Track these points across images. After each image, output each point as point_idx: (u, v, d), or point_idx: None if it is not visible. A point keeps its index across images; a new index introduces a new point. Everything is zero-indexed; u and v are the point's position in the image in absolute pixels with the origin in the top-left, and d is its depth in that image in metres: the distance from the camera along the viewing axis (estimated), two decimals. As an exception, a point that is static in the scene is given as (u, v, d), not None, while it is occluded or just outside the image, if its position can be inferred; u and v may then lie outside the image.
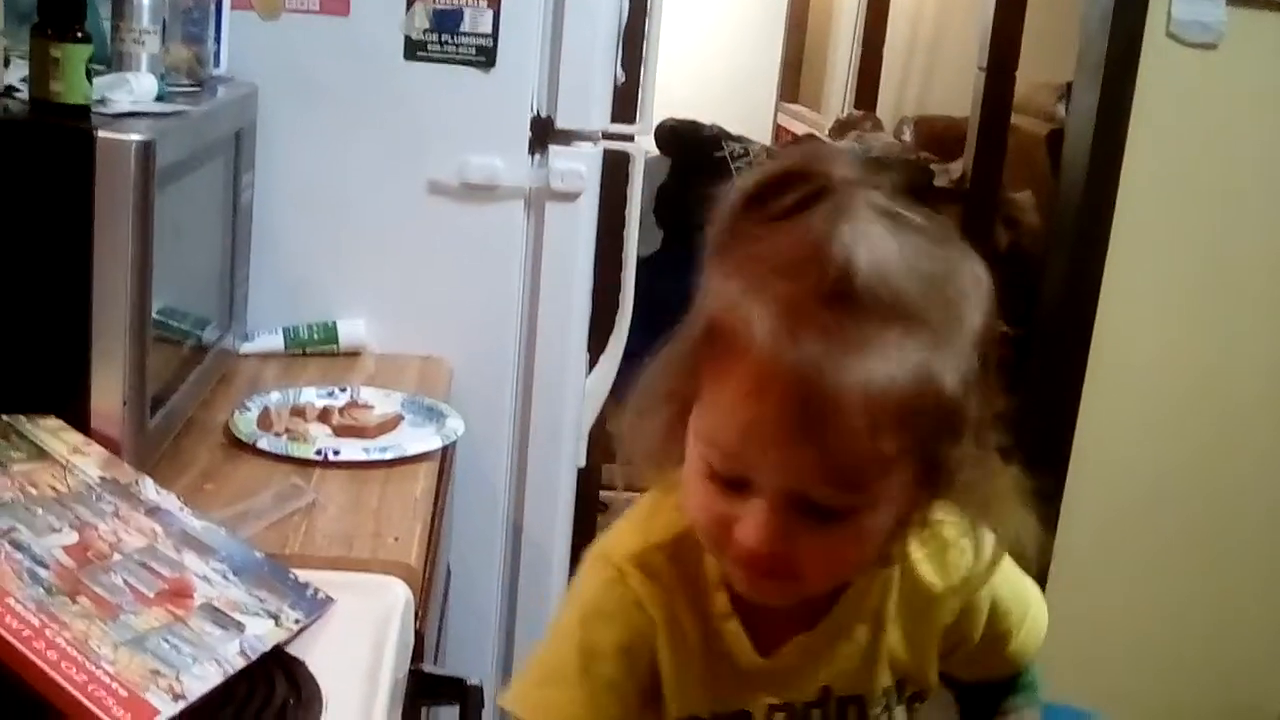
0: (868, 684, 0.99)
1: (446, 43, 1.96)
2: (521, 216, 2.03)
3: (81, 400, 1.31)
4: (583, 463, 2.15)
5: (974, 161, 3.44)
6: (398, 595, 1.29)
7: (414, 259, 2.02)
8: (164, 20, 1.56)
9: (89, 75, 1.33)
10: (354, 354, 2.01)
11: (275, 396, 1.76)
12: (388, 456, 1.60)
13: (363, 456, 1.60)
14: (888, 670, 0.99)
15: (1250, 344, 2.52)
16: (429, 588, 1.49)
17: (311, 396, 1.78)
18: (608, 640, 0.95)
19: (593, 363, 2.19)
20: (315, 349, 1.99)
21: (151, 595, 1.09)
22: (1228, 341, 2.53)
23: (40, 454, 1.24)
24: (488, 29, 1.95)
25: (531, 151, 2.01)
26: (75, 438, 1.28)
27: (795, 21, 6.27)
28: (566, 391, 2.09)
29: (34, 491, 1.16)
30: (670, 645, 0.96)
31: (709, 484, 0.86)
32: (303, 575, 1.24)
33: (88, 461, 1.25)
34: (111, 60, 1.51)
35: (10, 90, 1.38)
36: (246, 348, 1.94)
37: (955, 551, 0.96)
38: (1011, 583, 1.03)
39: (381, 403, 1.79)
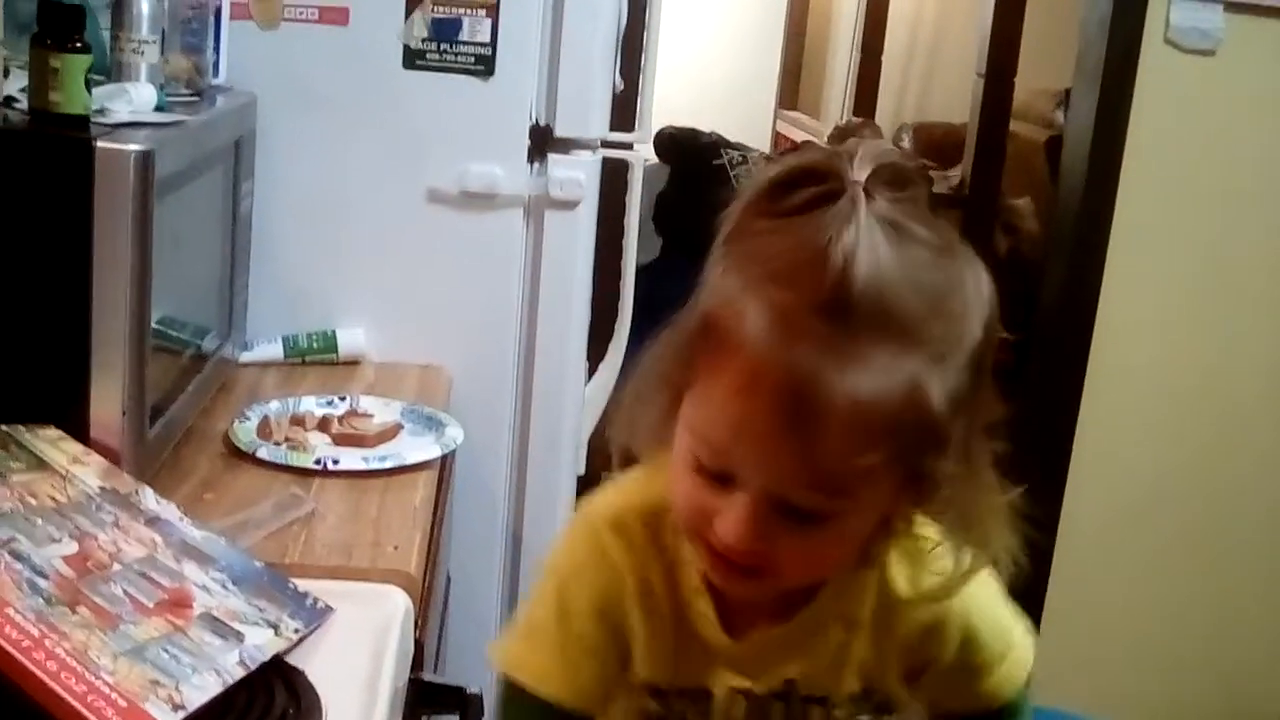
0: (833, 686, 0.98)
1: (445, 51, 1.96)
2: (520, 225, 2.03)
3: (81, 410, 1.31)
4: (582, 471, 2.15)
5: (973, 168, 3.44)
6: (397, 604, 1.29)
7: (413, 267, 2.02)
8: (163, 30, 1.56)
9: (88, 85, 1.33)
10: (353, 363, 2.01)
11: (275, 406, 1.76)
12: (387, 465, 1.60)
13: (362, 465, 1.60)
14: (855, 675, 0.98)
15: (1249, 348, 2.53)
16: (429, 596, 1.49)
17: (311, 405, 1.78)
18: (582, 598, 0.98)
19: (592, 371, 2.19)
20: (314, 358, 1.99)
21: (151, 605, 1.09)
22: (1226, 345, 2.53)
23: (40, 464, 1.24)
24: (486, 38, 1.95)
25: (530, 160, 2.01)
26: (75, 447, 1.28)
27: (794, 29, 6.28)
28: (566, 400, 2.09)
29: (33, 501, 1.16)
30: (640, 609, 0.97)
31: (694, 475, 0.87)
32: (302, 584, 1.24)
33: (87, 471, 1.25)
34: (111, 70, 1.51)
35: (10, 100, 1.38)
36: (246, 357, 1.94)
37: (930, 565, 0.96)
38: (994, 617, 1.01)
39: (381, 411, 1.79)
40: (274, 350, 1.98)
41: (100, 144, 1.28)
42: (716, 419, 0.83)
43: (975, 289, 0.85)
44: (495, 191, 2.00)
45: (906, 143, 4.59)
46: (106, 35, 1.53)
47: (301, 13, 1.94)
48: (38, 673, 0.94)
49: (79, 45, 1.31)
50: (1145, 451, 2.57)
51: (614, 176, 2.12)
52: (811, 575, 0.93)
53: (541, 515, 2.10)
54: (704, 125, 3.99)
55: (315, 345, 2.00)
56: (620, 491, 1.00)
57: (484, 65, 1.96)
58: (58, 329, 1.31)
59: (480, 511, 2.07)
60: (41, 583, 1.04)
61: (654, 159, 3.71)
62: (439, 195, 2.00)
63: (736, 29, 6.12)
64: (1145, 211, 2.47)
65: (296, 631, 1.16)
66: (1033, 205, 3.67)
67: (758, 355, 0.80)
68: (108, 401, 1.32)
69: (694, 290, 0.88)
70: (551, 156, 2.01)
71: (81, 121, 1.32)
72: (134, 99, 1.44)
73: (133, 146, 1.29)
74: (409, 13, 1.94)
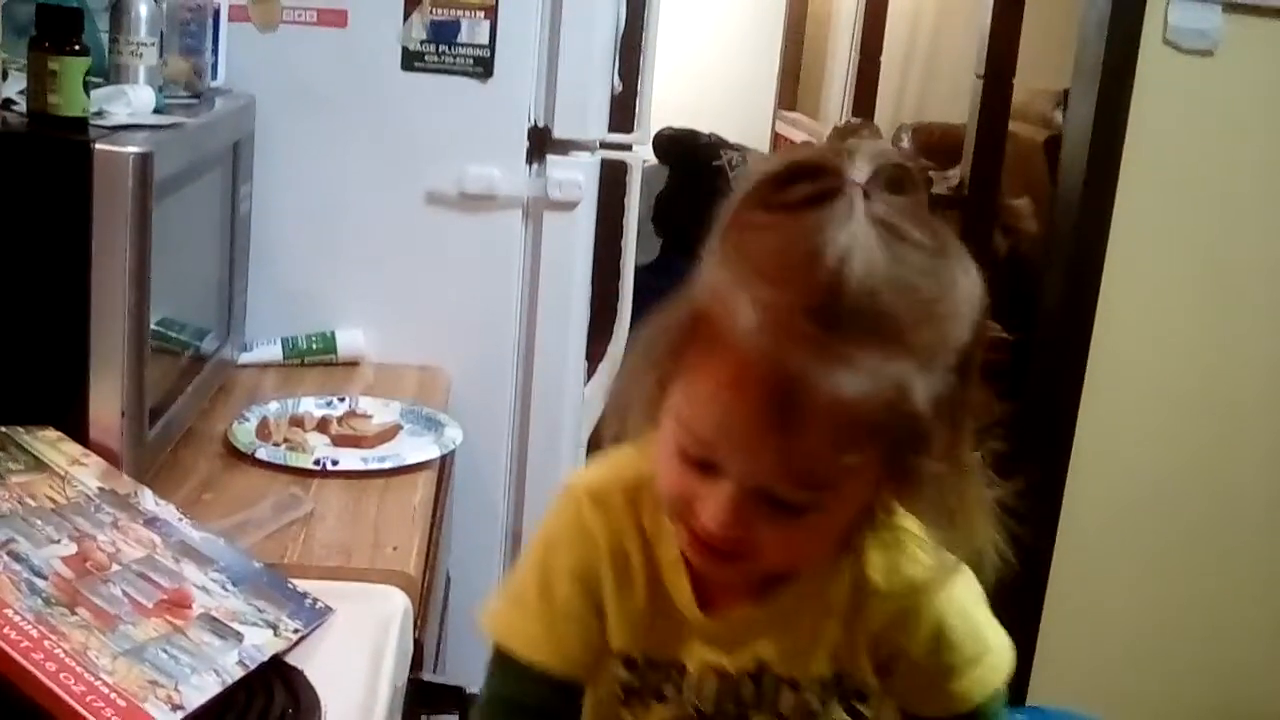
0: (804, 669, 0.99)
1: (444, 53, 1.96)
2: (519, 226, 2.03)
3: (80, 411, 1.32)
4: (582, 471, 2.15)
5: (972, 168, 3.44)
6: (396, 604, 1.29)
7: (412, 269, 2.02)
8: (161, 32, 1.57)
9: (86, 88, 1.33)
10: (352, 364, 2.01)
11: (274, 406, 1.76)
12: (386, 466, 1.61)
13: (361, 466, 1.60)
14: (827, 660, 0.99)
15: (1249, 348, 2.53)
16: (428, 596, 1.49)
17: (310, 406, 1.78)
18: (562, 565, 1.00)
19: (591, 371, 2.19)
20: (314, 359, 2.00)
21: (150, 605, 1.09)
22: (1226, 346, 2.53)
23: (39, 465, 1.24)
24: (485, 39, 1.96)
25: (529, 161, 2.01)
26: (74, 449, 1.29)
27: (793, 30, 6.28)
28: (565, 400, 2.09)
29: (32, 503, 1.17)
30: (614, 578, 0.99)
31: (679, 461, 0.87)
32: (301, 585, 1.24)
33: (86, 472, 1.26)
34: (109, 73, 1.51)
35: (8, 103, 1.39)
36: (245, 358, 1.94)
37: (907, 558, 0.96)
38: (970, 620, 1.00)
39: (380, 412, 1.79)
40: (273, 351, 1.98)
41: (99, 146, 1.28)
42: (702, 411, 0.84)
43: (967, 292, 0.85)
44: (494, 193, 2.00)
45: (906, 143, 4.59)
46: (105, 38, 1.53)
47: (300, 15, 1.94)
48: (37, 673, 0.95)
49: (77, 48, 1.31)
50: (1145, 451, 2.57)
51: (613, 177, 2.12)
52: (791, 563, 0.94)
53: (540, 515, 2.09)
54: (703, 126, 3.99)
55: (314, 346, 2.00)
56: (606, 465, 1.02)
57: (482, 67, 1.97)
58: (57, 331, 1.31)
59: (479, 512, 2.07)
60: (40, 583, 1.04)
61: (653, 160, 3.71)
62: (438, 197, 2.00)
63: (735, 30, 6.12)
64: (1144, 211, 2.47)
65: (296, 632, 1.16)
66: (1032, 205, 3.67)
67: (745, 352, 0.80)
68: (107, 403, 1.32)
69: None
70: (550, 158, 2.02)
71: (80, 124, 1.32)
72: (132, 101, 1.44)
73: (131, 149, 1.29)
74: (407, 15, 1.94)
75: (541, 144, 2.01)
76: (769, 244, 0.82)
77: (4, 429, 1.27)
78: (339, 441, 1.68)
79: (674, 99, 4.19)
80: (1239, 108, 2.44)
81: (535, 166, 2.02)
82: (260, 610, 1.16)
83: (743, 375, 0.80)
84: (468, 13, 1.95)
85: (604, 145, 2.07)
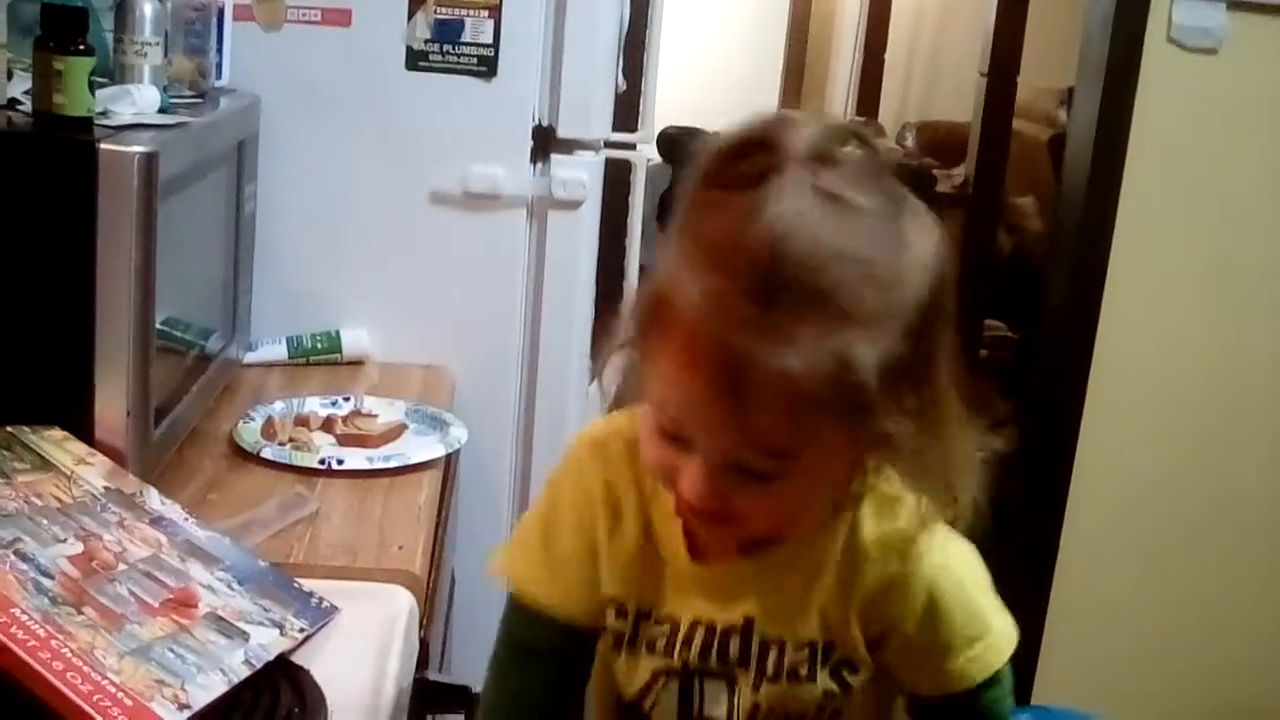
0: (791, 630, 0.99)
1: (448, 53, 1.96)
2: (524, 225, 2.03)
3: (86, 411, 1.32)
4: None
5: (976, 167, 3.44)
6: (402, 603, 1.30)
7: (417, 268, 2.03)
8: (166, 32, 1.57)
9: (91, 87, 1.33)
10: (357, 363, 2.01)
11: (279, 406, 1.76)
12: (391, 465, 1.61)
13: (366, 465, 1.60)
14: (817, 624, 0.99)
15: (1253, 346, 2.52)
16: (433, 596, 1.49)
17: (315, 406, 1.79)
18: (563, 512, 1.05)
19: (596, 371, 2.19)
20: (319, 358, 2.00)
21: (156, 605, 1.09)
22: (1231, 344, 2.52)
23: (45, 465, 1.24)
24: (489, 39, 1.96)
25: (533, 160, 2.01)
26: (80, 448, 1.29)
27: (797, 28, 6.27)
28: (569, 399, 2.09)
29: (39, 502, 1.17)
30: (607, 522, 1.02)
31: (657, 436, 0.90)
32: (307, 584, 1.24)
33: (92, 472, 1.26)
34: (114, 72, 1.52)
35: (13, 103, 1.39)
36: (250, 357, 1.94)
37: (900, 526, 0.97)
38: (967, 597, 1.00)
39: (385, 411, 1.79)
40: (278, 351, 1.99)
41: (104, 146, 1.28)
42: (666, 391, 0.87)
43: (920, 251, 0.86)
44: (498, 192, 2.00)
45: (910, 142, 4.59)
46: (110, 37, 1.53)
47: (304, 14, 1.94)
48: (44, 672, 0.95)
49: (82, 47, 1.31)
50: (1149, 450, 2.57)
51: (617, 176, 2.12)
52: (776, 526, 0.95)
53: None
54: (707, 125, 3.99)
55: (319, 346, 2.00)
56: (611, 419, 1.05)
57: (486, 66, 1.97)
58: (62, 330, 1.31)
59: (484, 510, 2.07)
60: (47, 583, 1.05)
61: (657, 159, 3.71)
62: (442, 196, 2.00)
63: (739, 28, 6.11)
64: (1148, 210, 2.46)
65: (301, 631, 1.16)
66: (1036, 204, 3.66)
67: (695, 334, 0.83)
68: (112, 402, 1.32)
69: None
70: (554, 157, 2.02)
71: (85, 123, 1.33)
72: (137, 101, 1.45)
73: (136, 148, 1.29)
74: (411, 14, 1.95)
75: (546, 143, 2.01)
76: (713, 225, 0.84)
77: (10, 429, 1.27)
78: (344, 441, 1.68)
79: (678, 98, 4.19)
80: (1243, 106, 2.44)
81: (539, 166, 2.02)
82: (266, 609, 1.16)
83: (694, 356, 0.83)
84: (472, 12, 1.95)
85: (608, 144, 2.07)
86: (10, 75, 1.41)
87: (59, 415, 1.31)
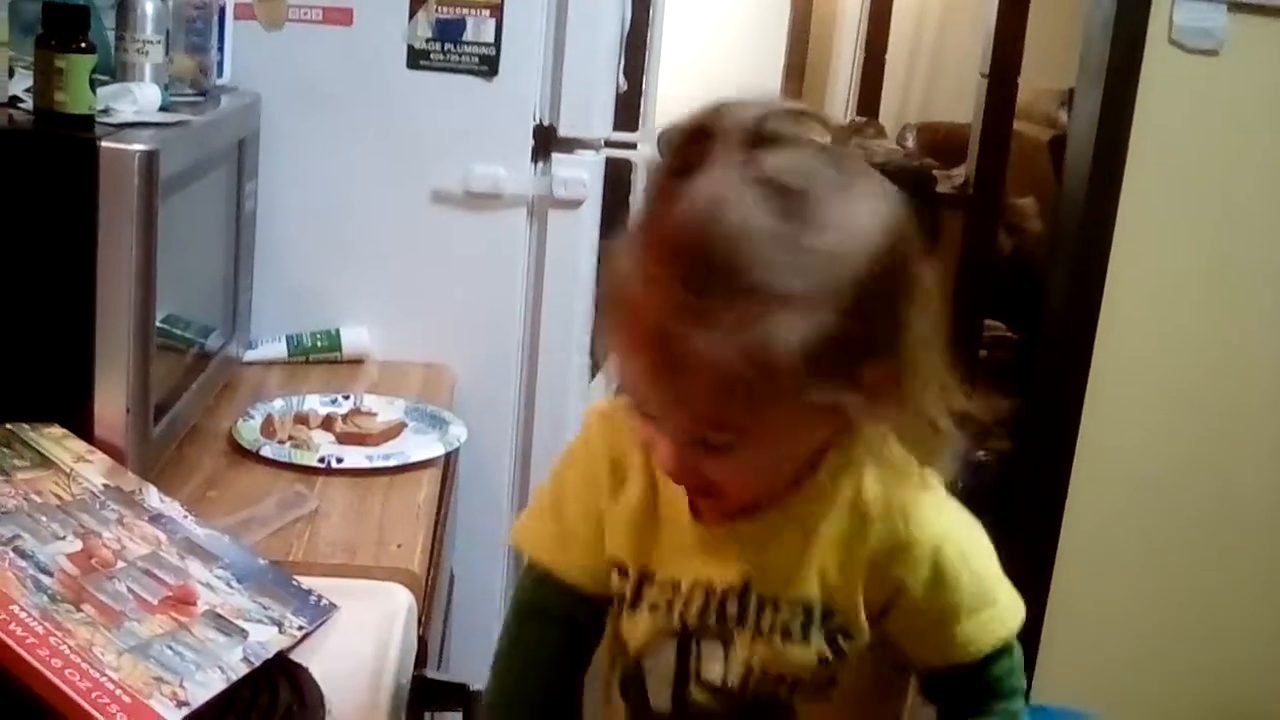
0: (786, 589, 1.00)
1: (449, 52, 1.96)
2: (524, 224, 2.03)
3: (85, 408, 1.32)
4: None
5: (977, 168, 3.44)
6: (401, 601, 1.30)
7: (417, 267, 2.03)
8: (167, 30, 1.57)
9: (93, 85, 1.33)
10: (357, 361, 2.02)
11: (279, 404, 1.76)
12: (391, 463, 1.61)
13: (366, 464, 1.60)
14: (816, 586, 0.99)
15: (1253, 347, 2.52)
16: (432, 594, 1.49)
17: (315, 404, 1.79)
18: (570, 477, 1.10)
19: (595, 369, 2.19)
20: (318, 356, 2.00)
21: (155, 602, 1.09)
22: (1230, 344, 2.52)
23: (44, 462, 1.24)
24: (490, 38, 1.96)
25: (534, 160, 2.01)
26: (79, 446, 1.29)
27: (798, 29, 6.27)
28: (569, 398, 2.09)
29: (38, 499, 1.17)
30: (610, 485, 1.06)
31: (634, 411, 0.94)
32: (306, 582, 1.24)
33: (91, 469, 1.26)
34: (115, 70, 1.52)
35: (15, 100, 1.39)
36: (250, 355, 1.94)
37: (905, 490, 0.98)
38: (975, 564, 1.00)
39: (384, 410, 1.79)
40: (278, 349, 1.99)
41: (105, 144, 1.28)
42: (625, 375, 0.92)
43: (859, 226, 0.87)
44: (499, 191, 2.00)
45: (911, 142, 4.59)
46: (111, 35, 1.53)
47: (305, 13, 1.94)
48: (43, 670, 0.95)
49: (83, 45, 1.32)
50: (1149, 449, 2.57)
51: (618, 176, 2.12)
52: (754, 492, 0.98)
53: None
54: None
55: (319, 344, 2.00)
56: None
57: (488, 65, 1.97)
58: (62, 328, 1.31)
59: (484, 509, 2.07)
60: (46, 580, 1.05)
61: (657, 158, 3.70)
62: (443, 195, 2.00)
63: (740, 28, 6.11)
64: (1149, 211, 2.46)
65: (300, 629, 1.16)
66: (1037, 204, 3.66)
67: (639, 320, 0.87)
68: (112, 400, 1.32)
69: None
70: (555, 156, 2.02)
71: (86, 121, 1.33)
72: (138, 99, 1.45)
73: (137, 146, 1.29)
74: (413, 13, 1.95)
75: (547, 142, 2.02)
76: (656, 213, 0.88)
77: (9, 426, 1.28)
78: (344, 439, 1.68)
79: (679, 97, 4.19)
80: (1244, 107, 2.44)
81: (540, 165, 2.02)
82: (265, 607, 1.16)
83: (639, 342, 0.88)
84: (473, 11, 1.95)
85: (609, 144, 2.07)
86: (12, 73, 1.41)
87: (58, 412, 1.31)
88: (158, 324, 1.37)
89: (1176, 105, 2.43)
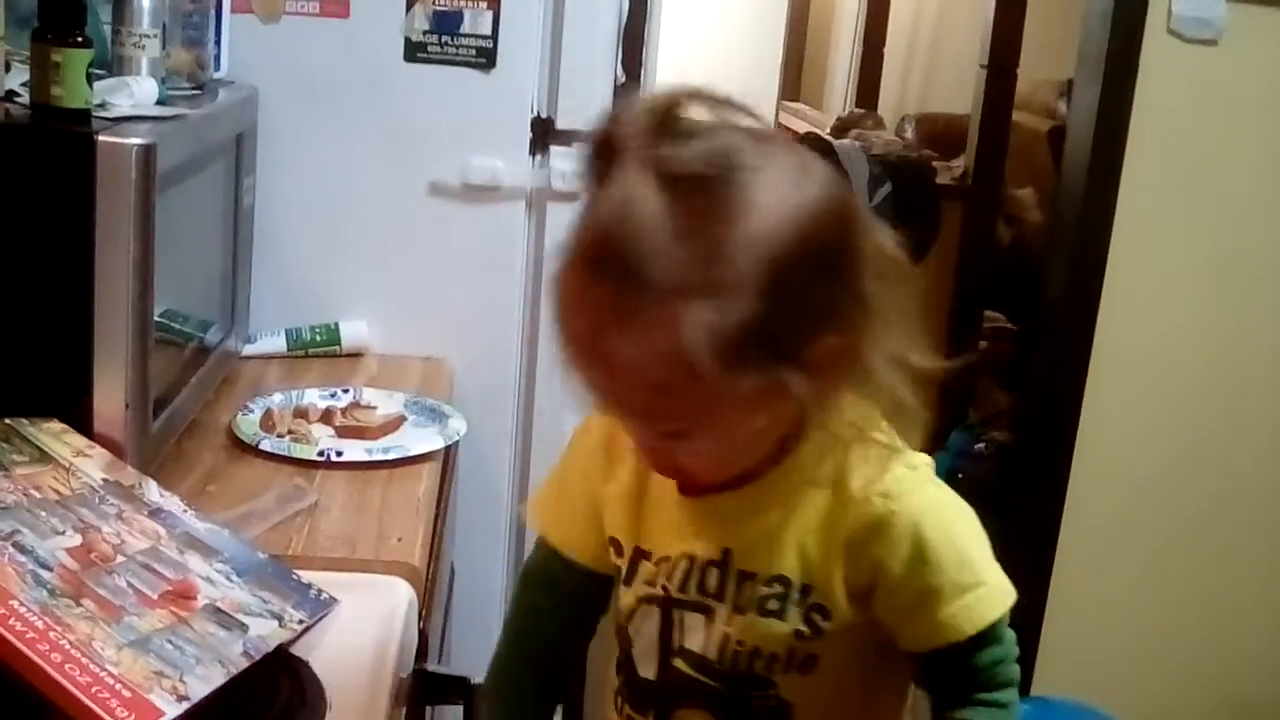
0: (765, 563, 1.01)
1: (446, 44, 1.96)
2: (523, 217, 2.03)
3: (84, 403, 1.32)
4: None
5: (976, 159, 3.43)
6: (401, 595, 1.30)
7: (416, 260, 2.02)
8: (164, 24, 1.56)
9: (89, 79, 1.33)
10: (356, 355, 2.01)
11: (278, 398, 1.76)
12: (390, 457, 1.61)
13: (365, 457, 1.60)
14: (796, 561, 1.00)
15: (1253, 338, 2.52)
16: (432, 587, 1.49)
17: (314, 398, 1.79)
18: (573, 461, 1.15)
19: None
20: (318, 350, 2.00)
21: (155, 597, 1.09)
22: (1230, 336, 2.52)
23: (43, 457, 1.24)
24: (487, 30, 1.96)
25: (532, 152, 2.01)
26: (78, 440, 1.29)
27: (796, 20, 6.26)
28: (568, 390, 2.09)
29: (37, 494, 1.17)
30: (605, 467, 1.09)
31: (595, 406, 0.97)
32: (306, 576, 1.24)
33: (91, 464, 1.26)
34: (112, 64, 1.51)
35: (11, 95, 1.39)
36: (249, 350, 1.94)
37: (887, 470, 0.98)
38: (959, 547, 0.99)
39: (384, 403, 1.79)
40: (277, 343, 1.98)
41: (102, 138, 1.28)
42: (577, 374, 0.93)
43: (771, 210, 0.86)
44: (497, 184, 2.00)
45: (909, 133, 4.58)
46: (107, 29, 1.53)
47: (302, 6, 1.94)
48: (43, 665, 0.95)
49: (80, 39, 1.31)
50: (1148, 443, 2.57)
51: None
52: (724, 471, 1.00)
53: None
54: (706, 117, 3.98)
55: (318, 338, 2.00)
56: None
57: (485, 58, 1.97)
58: (61, 323, 1.31)
59: (484, 502, 2.07)
60: (46, 575, 1.05)
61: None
62: (441, 188, 2.00)
63: (738, 21, 6.11)
64: (1148, 201, 2.46)
65: (300, 622, 1.16)
66: (1036, 195, 3.66)
67: (568, 325, 0.90)
68: (111, 395, 1.32)
69: None
70: (553, 148, 2.02)
71: (83, 115, 1.32)
72: (135, 93, 1.45)
73: (134, 140, 1.29)
74: (410, 5, 1.94)
75: (544, 135, 2.01)
76: (581, 220, 0.90)
77: (8, 421, 1.27)
78: (343, 433, 1.68)
79: (677, 90, 4.18)
80: (1243, 98, 2.43)
81: (538, 157, 2.02)
82: (265, 601, 1.16)
83: (573, 346, 0.90)
84: (470, 3, 1.95)
85: (607, 136, 2.06)
86: (8, 67, 1.41)
87: (58, 407, 1.31)
88: (156, 319, 1.37)
89: (1175, 95, 2.42)
